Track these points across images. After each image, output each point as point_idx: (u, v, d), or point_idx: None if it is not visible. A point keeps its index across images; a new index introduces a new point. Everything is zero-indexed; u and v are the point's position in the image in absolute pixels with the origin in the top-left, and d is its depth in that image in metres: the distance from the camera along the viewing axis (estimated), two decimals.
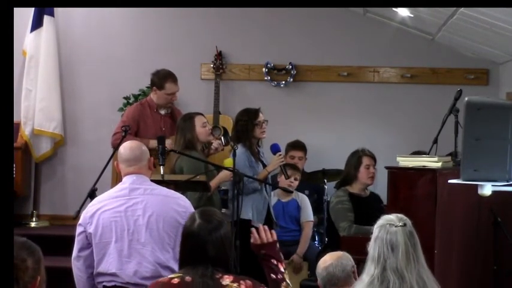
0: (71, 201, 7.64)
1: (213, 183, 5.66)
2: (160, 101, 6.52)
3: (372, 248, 3.20)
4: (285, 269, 3.50)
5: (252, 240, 3.52)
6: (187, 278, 3.13)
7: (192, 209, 4.23)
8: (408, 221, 3.23)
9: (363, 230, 5.68)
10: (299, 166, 7.08)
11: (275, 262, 3.47)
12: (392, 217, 3.23)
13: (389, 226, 3.18)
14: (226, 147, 6.26)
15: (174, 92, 6.52)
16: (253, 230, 3.53)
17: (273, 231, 3.55)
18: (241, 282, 3.15)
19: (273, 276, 3.44)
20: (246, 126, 5.95)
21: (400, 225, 3.18)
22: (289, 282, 3.46)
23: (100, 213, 4.14)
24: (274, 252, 3.50)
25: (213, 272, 3.13)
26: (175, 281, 3.14)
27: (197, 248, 3.18)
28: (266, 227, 3.55)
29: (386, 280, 3.13)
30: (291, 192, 6.47)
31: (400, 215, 3.25)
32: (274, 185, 6.44)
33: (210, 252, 3.16)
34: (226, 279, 3.14)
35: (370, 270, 3.19)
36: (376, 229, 3.23)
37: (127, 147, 4.33)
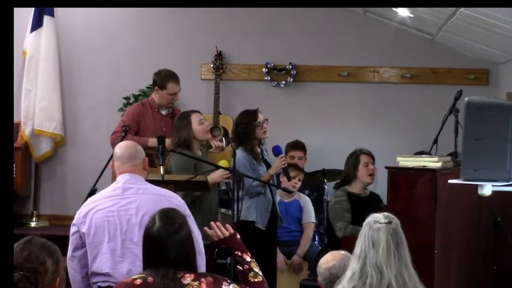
0: (71, 201, 7.64)
1: None
2: (161, 101, 6.51)
3: (357, 244, 3.23)
4: (252, 259, 3.53)
5: (210, 238, 3.59)
6: (150, 279, 3.18)
7: (186, 208, 4.23)
8: (395, 220, 3.24)
9: (358, 230, 5.69)
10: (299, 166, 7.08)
11: (239, 253, 3.53)
12: (379, 215, 3.25)
13: (373, 223, 3.21)
14: (226, 148, 6.26)
15: (176, 92, 6.51)
16: (206, 228, 3.59)
17: (228, 226, 3.61)
18: (202, 279, 3.19)
19: (240, 267, 3.50)
20: (247, 129, 5.91)
21: (384, 223, 3.19)
22: (257, 270, 3.50)
23: (93, 212, 4.14)
24: (235, 244, 3.55)
25: (174, 272, 3.17)
26: (138, 281, 3.19)
27: (157, 251, 3.23)
28: (218, 223, 3.59)
29: (365, 275, 3.15)
30: (292, 192, 6.47)
31: (388, 214, 3.27)
32: (275, 185, 6.42)
33: (170, 255, 3.20)
34: (188, 278, 3.18)
35: (352, 265, 3.22)
36: (363, 226, 3.26)
37: (122, 146, 4.36)
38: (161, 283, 3.14)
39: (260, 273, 3.50)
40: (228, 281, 3.25)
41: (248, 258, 3.51)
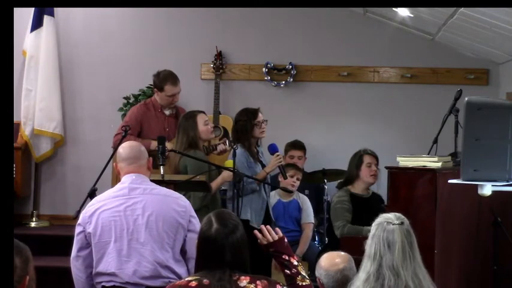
0: (71, 201, 7.64)
1: (215, 183, 5.67)
2: (162, 102, 6.54)
3: (369, 245, 3.22)
4: (298, 262, 3.51)
5: (258, 241, 3.53)
6: (205, 281, 3.13)
7: (191, 209, 4.24)
8: (406, 220, 3.24)
9: (355, 229, 5.75)
10: (299, 166, 7.08)
11: (286, 257, 3.50)
12: (390, 215, 3.24)
13: (386, 224, 3.20)
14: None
15: (175, 94, 6.52)
16: (256, 232, 3.54)
17: (277, 229, 3.58)
18: (258, 282, 3.16)
19: (287, 271, 3.47)
20: (245, 126, 5.95)
21: (398, 224, 3.19)
22: (304, 274, 3.47)
23: (99, 212, 4.14)
24: (283, 248, 3.52)
25: (230, 275, 3.14)
26: (193, 284, 3.14)
27: (215, 253, 3.18)
28: (269, 227, 3.56)
29: (382, 277, 3.14)
30: (291, 192, 6.47)
31: (398, 214, 3.26)
32: (274, 185, 6.44)
33: (227, 257, 3.16)
34: (243, 281, 3.14)
35: (366, 267, 3.20)
36: (373, 227, 3.24)
37: (126, 146, 4.36)
38: (218, 285, 3.10)
39: (307, 276, 3.48)
40: (281, 284, 3.23)
41: (295, 262, 3.49)
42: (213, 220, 3.22)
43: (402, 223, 3.20)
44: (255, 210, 5.89)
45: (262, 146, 6.16)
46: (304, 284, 3.44)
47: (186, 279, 3.22)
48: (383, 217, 3.25)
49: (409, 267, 3.15)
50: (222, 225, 3.20)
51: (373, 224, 3.26)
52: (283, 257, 3.50)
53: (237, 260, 3.18)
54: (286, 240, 3.57)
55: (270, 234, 3.53)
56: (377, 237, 3.19)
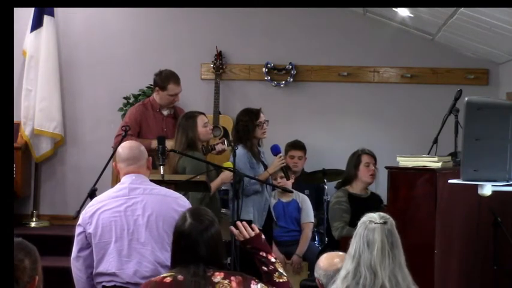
0: (71, 201, 7.64)
1: (214, 183, 5.66)
2: (162, 102, 6.53)
3: (351, 243, 3.22)
4: (276, 259, 3.52)
5: (235, 237, 3.56)
6: (180, 277, 3.16)
7: None
8: (391, 220, 3.22)
9: (354, 232, 5.71)
10: (299, 166, 7.10)
11: (264, 254, 3.51)
12: (374, 215, 3.23)
13: (369, 223, 3.20)
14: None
15: (177, 93, 6.52)
16: (232, 228, 3.56)
17: (254, 225, 3.60)
18: (232, 278, 3.18)
19: (264, 268, 3.49)
20: (247, 127, 5.95)
21: (380, 223, 3.18)
22: (282, 271, 3.49)
23: (100, 213, 4.14)
24: (260, 245, 3.54)
25: (204, 270, 3.16)
26: (168, 280, 3.17)
27: (189, 248, 3.21)
28: (245, 223, 3.58)
29: (359, 275, 3.14)
30: (291, 192, 6.46)
31: (383, 214, 3.25)
32: (275, 186, 6.43)
33: (201, 252, 3.19)
34: (218, 277, 3.17)
35: (346, 265, 3.21)
36: (358, 225, 3.25)
37: (125, 146, 4.36)
38: (192, 281, 3.12)
39: (284, 273, 3.50)
40: (256, 280, 3.25)
41: (273, 259, 3.50)
42: (188, 216, 3.27)
43: (385, 222, 3.19)
44: (258, 210, 5.90)
45: (263, 146, 6.16)
46: (281, 280, 3.45)
47: (161, 275, 3.24)
48: (367, 216, 3.25)
49: (387, 267, 3.13)
50: (196, 220, 3.23)
51: (358, 223, 3.27)
52: (261, 253, 3.51)
53: (212, 255, 3.20)
54: (263, 237, 3.57)
55: (246, 230, 3.54)
56: (359, 235, 3.20)
